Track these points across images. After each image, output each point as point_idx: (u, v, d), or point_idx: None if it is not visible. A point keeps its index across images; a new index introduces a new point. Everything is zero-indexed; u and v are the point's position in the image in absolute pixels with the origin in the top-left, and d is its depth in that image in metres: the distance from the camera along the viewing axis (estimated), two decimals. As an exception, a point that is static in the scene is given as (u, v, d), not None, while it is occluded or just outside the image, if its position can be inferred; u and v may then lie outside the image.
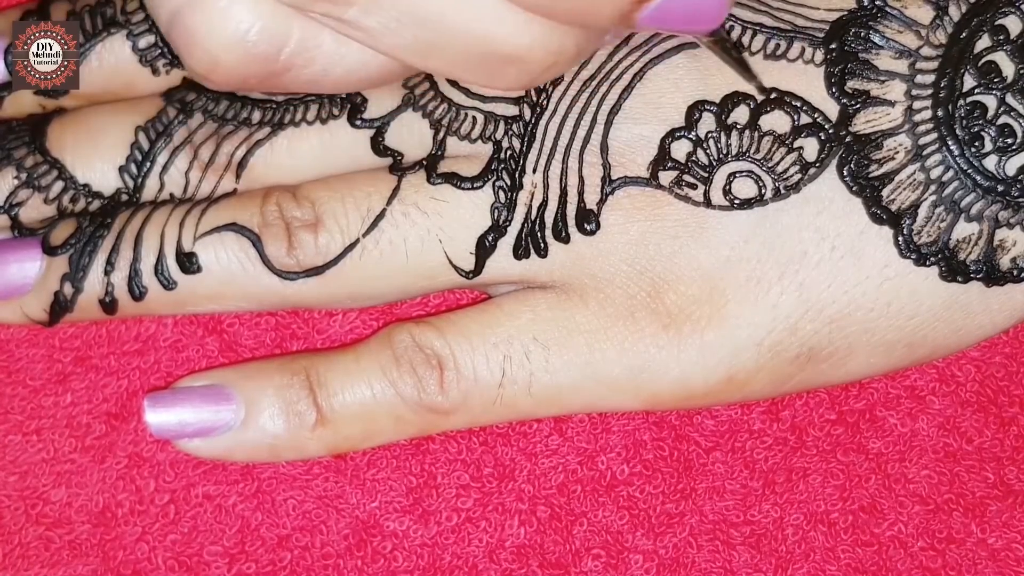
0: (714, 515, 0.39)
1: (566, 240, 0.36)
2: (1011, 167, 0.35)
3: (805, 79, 0.36)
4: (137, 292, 0.37)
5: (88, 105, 0.39)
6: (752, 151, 0.36)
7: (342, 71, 0.32)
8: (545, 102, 0.36)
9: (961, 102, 0.35)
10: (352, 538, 0.38)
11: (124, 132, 0.38)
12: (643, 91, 0.36)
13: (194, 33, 0.31)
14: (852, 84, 0.35)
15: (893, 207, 0.35)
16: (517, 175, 0.36)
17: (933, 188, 0.35)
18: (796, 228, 0.36)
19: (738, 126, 0.36)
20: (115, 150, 0.38)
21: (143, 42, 0.38)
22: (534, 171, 0.36)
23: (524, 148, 0.36)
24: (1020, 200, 0.35)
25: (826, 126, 0.35)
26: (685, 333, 0.36)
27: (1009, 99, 0.35)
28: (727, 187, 0.36)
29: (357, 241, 0.37)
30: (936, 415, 0.39)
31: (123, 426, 0.39)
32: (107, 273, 0.37)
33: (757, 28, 0.36)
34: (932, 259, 0.35)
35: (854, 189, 0.35)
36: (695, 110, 0.36)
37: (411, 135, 0.37)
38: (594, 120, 0.36)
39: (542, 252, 0.37)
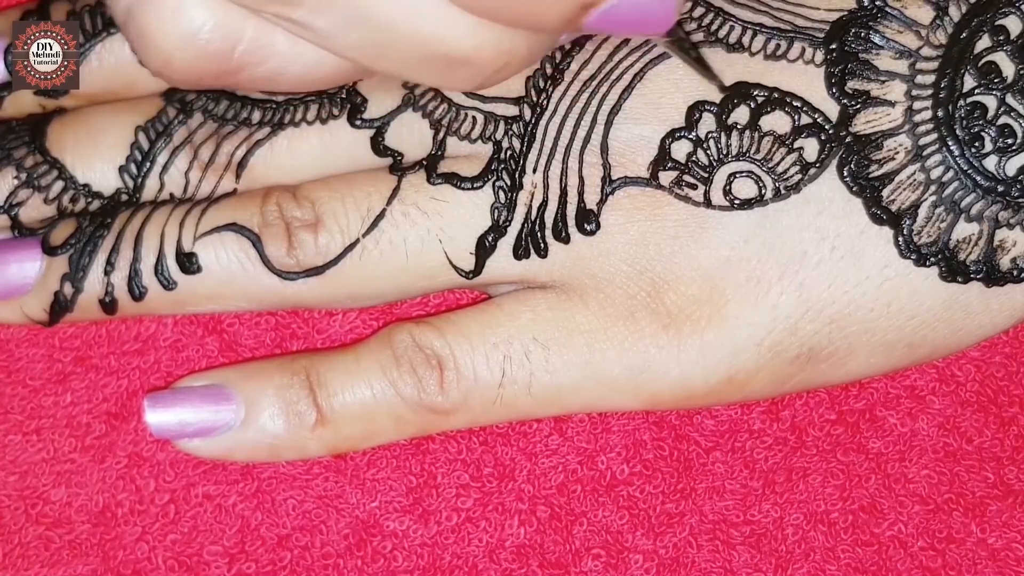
0: (714, 515, 0.39)
1: (566, 240, 0.36)
2: (1011, 167, 0.35)
3: (805, 79, 0.36)
4: (137, 292, 0.37)
5: (88, 105, 0.39)
6: (752, 151, 0.36)
7: (297, 70, 0.32)
8: (545, 102, 0.36)
9: (961, 102, 0.35)
10: (352, 538, 0.38)
11: (124, 132, 0.38)
12: (643, 91, 0.36)
13: (147, 31, 0.31)
14: (852, 84, 0.35)
15: (893, 207, 0.35)
16: (517, 175, 0.36)
17: (933, 188, 0.35)
18: (796, 228, 0.36)
19: (738, 126, 0.36)
20: (115, 150, 0.38)
21: (143, 42, 0.38)
22: (534, 171, 0.36)
23: (524, 148, 0.36)
24: (1020, 200, 0.35)
25: (826, 126, 0.35)
26: (685, 333, 0.36)
27: (1009, 99, 0.35)
28: (727, 187, 0.36)
29: (357, 241, 0.37)
30: (936, 415, 0.39)
31: (123, 426, 0.39)
32: (107, 273, 0.37)
33: (757, 28, 0.36)
34: (932, 259, 0.35)
35: (854, 189, 0.35)
36: (695, 110, 0.36)
37: (411, 135, 0.37)
38: (594, 120, 0.36)
39: (542, 252, 0.37)
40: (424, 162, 0.37)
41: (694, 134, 0.36)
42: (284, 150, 0.38)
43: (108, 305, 0.37)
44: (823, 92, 0.35)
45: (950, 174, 0.35)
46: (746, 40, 0.36)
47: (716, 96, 0.36)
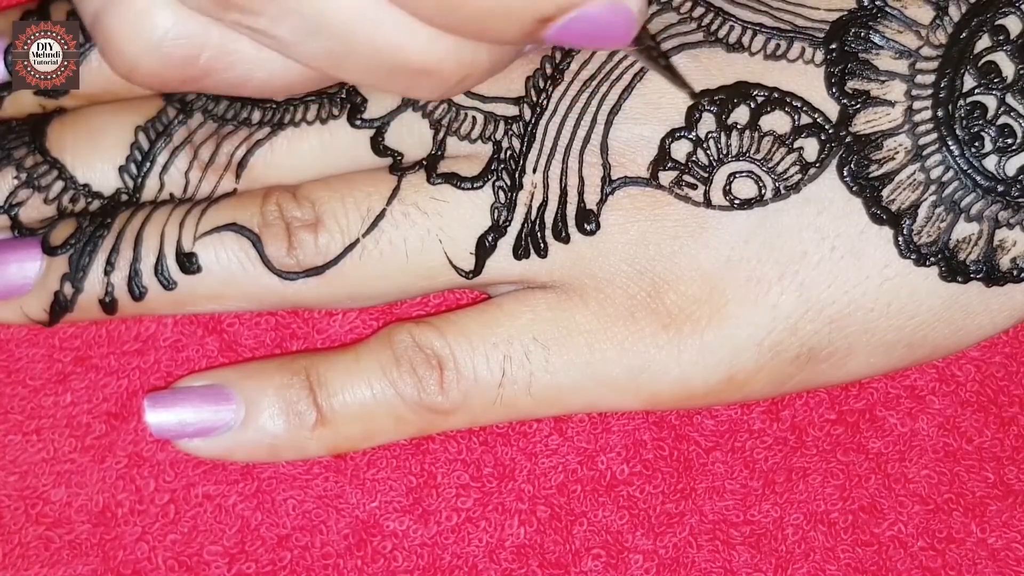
0: (714, 515, 0.39)
1: (566, 240, 0.36)
2: (1011, 167, 0.35)
3: (805, 79, 0.36)
4: (137, 292, 0.37)
5: (88, 105, 0.39)
6: (752, 151, 0.36)
7: (264, 76, 0.33)
8: (545, 102, 0.36)
9: (961, 102, 0.35)
10: (352, 538, 0.38)
11: (124, 132, 0.38)
12: (643, 91, 0.36)
13: (113, 36, 0.32)
14: (852, 84, 0.35)
15: (893, 207, 0.35)
16: (517, 175, 0.36)
17: (933, 188, 0.35)
18: (796, 228, 0.36)
19: (738, 126, 0.36)
20: (115, 150, 0.38)
21: (143, 42, 0.38)
22: (534, 171, 0.36)
23: (524, 148, 0.36)
24: (1020, 200, 0.35)
25: (826, 126, 0.35)
26: (685, 333, 0.36)
27: (1009, 99, 0.35)
28: (727, 187, 0.36)
29: (357, 241, 0.37)
30: (936, 415, 0.39)
31: (123, 426, 0.39)
32: (107, 273, 0.37)
33: (757, 28, 0.36)
34: (932, 259, 0.35)
35: (854, 189, 0.35)
36: (695, 110, 0.36)
37: (411, 135, 0.37)
38: (594, 120, 0.36)
39: (542, 252, 0.37)
40: (424, 162, 0.37)
41: (694, 134, 0.36)
42: (284, 150, 0.38)
43: (108, 305, 0.37)
44: (823, 92, 0.35)
45: (950, 174, 0.35)
46: (746, 40, 0.36)
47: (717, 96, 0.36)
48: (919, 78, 0.35)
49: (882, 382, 0.39)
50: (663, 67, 0.34)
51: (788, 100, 0.35)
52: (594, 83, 0.36)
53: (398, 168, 0.37)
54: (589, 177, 0.36)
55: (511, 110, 0.37)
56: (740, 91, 0.36)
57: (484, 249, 0.37)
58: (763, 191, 0.36)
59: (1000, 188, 0.35)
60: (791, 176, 0.35)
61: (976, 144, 0.35)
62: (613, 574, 0.38)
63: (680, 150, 0.36)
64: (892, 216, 0.35)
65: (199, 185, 0.38)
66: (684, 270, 0.36)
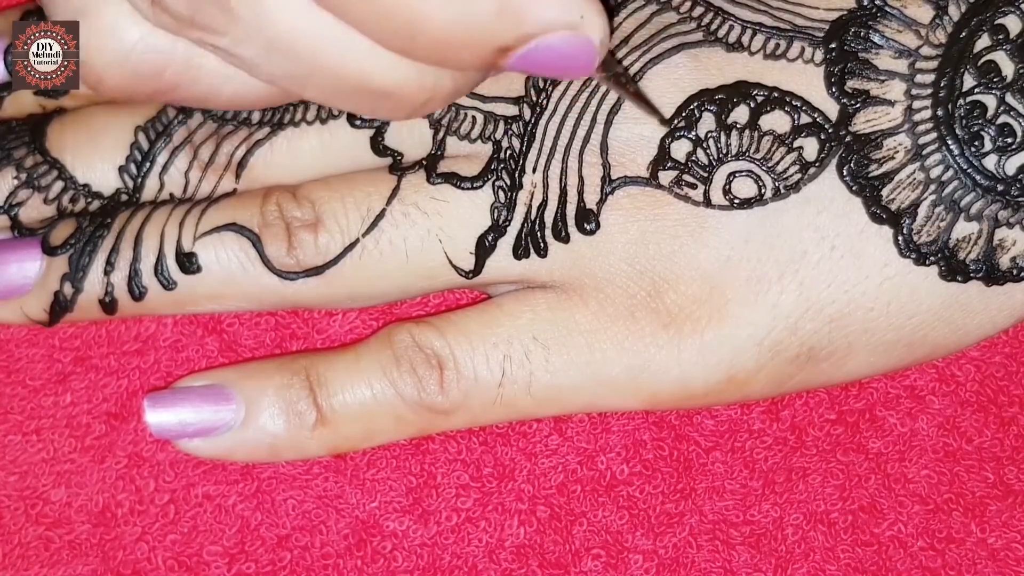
0: (714, 515, 0.39)
1: (566, 240, 0.36)
2: (1011, 166, 0.35)
3: (805, 79, 0.36)
4: (137, 292, 0.37)
5: (88, 105, 0.39)
6: (752, 151, 0.36)
7: (231, 90, 0.33)
8: (545, 102, 0.36)
9: (961, 101, 0.35)
10: (352, 538, 0.38)
11: (124, 132, 0.38)
12: (643, 90, 0.36)
13: (81, 47, 0.32)
14: (852, 84, 0.35)
15: (893, 206, 0.35)
16: (517, 175, 0.36)
17: (933, 187, 0.35)
18: (796, 228, 0.36)
19: (738, 126, 0.36)
20: (115, 150, 0.38)
21: (143, 42, 0.38)
22: (534, 171, 0.36)
23: (524, 148, 0.36)
24: (1020, 199, 0.35)
25: (826, 126, 0.35)
26: (685, 333, 0.36)
27: (1009, 98, 0.35)
28: (727, 187, 0.36)
29: (357, 241, 0.37)
30: (936, 415, 0.39)
31: (123, 426, 0.39)
32: (107, 273, 0.37)
33: (757, 28, 0.36)
34: (932, 258, 0.35)
35: (854, 189, 0.35)
36: (695, 110, 0.36)
37: (411, 135, 0.37)
38: (594, 120, 0.36)
39: (542, 252, 0.37)
40: (424, 162, 0.37)
41: (694, 133, 0.36)
42: (284, 150, 0.38)
43: (108, 305, 0.37)
44: (823, 91, 0.35)
45: (950, 173, 0.35)
46: (745, 39, 0.36)
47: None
48: (919, 77, 0.35)
49: (882, 382, 0.39)
50: (632, 93, 0.35)
51: (788, 99, 0.35)
52: (594, 82, 0.36)
53: (398, 168, 0.37)
54: (589, 177, 0.36)
55: (511, 109, 0.37)
56: (740, 90, 0.36)
57: (484, 249, 0.37)
58: (763, 191, 0.36)
59: (1000, 187, 0.35)
60: (791, 175, 0.35)
61: (976, 143, 0.35)
62: (613, 574, 0.38)
63: (680, 150, 0.36)
64: (892, 215, 0.35)
65: (199, 185, 0.38)
66: (684, 270, 0.36)
